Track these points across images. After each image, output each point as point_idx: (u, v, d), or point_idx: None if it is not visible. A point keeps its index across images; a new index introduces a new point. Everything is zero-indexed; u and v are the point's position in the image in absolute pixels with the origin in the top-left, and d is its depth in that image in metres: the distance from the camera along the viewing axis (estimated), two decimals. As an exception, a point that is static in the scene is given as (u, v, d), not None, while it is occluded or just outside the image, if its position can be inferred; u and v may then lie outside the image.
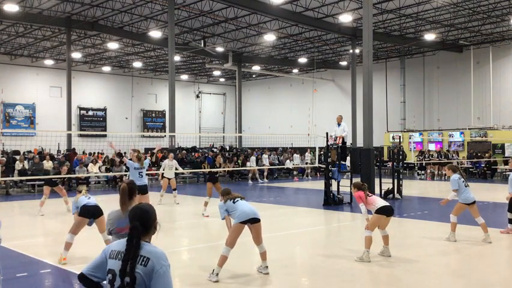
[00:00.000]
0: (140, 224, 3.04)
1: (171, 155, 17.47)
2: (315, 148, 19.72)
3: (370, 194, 8.27)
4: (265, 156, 27.78)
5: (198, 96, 46.57)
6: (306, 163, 29.00)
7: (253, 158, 27.35)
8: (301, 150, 31.83)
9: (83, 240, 10.13)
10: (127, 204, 4.56)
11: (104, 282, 3.08)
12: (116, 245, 3.10)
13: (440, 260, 8.37)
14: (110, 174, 22.10)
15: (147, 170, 12.16)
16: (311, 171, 29.66)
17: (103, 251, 3.13)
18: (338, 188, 15.97)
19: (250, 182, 25.69)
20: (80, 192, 8.63)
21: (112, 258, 3.03)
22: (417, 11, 25.15)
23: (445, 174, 26.57)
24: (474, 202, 9.66)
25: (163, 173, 16.65)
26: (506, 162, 27.07)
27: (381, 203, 8.16)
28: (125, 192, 4.58)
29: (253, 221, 7.11)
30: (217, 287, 6.84)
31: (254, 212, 7.14)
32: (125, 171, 13.76)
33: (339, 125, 16.57)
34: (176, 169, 16.75)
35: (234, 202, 7.16)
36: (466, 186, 9.64)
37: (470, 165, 27.93)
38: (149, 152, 13.87)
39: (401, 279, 7.20)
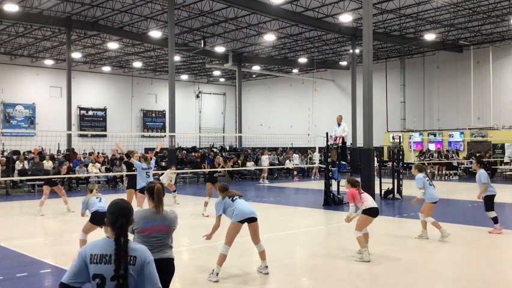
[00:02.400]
0: (126, 221, 3.08)
1: (173, 167, 17.87)
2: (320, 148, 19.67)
3: (362, 191, 8.34)
4: (265, 157, 27.74)
5: (198, 96, 46.57)
6: (314, 162, 28.83)
7: (264, 158, 27.39)
8: (302, 150, 31.82)
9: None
10: (162, 205, 4.53)
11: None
12: (93, 248, 3.05)
13: (440, 261, 8.37)
14: (110, 174, 22.11)
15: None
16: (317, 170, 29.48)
17: (79, 256, 3.07)
18: (338, 188, 15.97)
19: (262, 181, 25.60)
20: (91, 191, 8.42)
21: (96, 262, 2.99)
22: (417, 11, 25.14)
23: (445, 174, 26.63)
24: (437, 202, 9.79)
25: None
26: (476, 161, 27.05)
27: (371, 203, 8.18)
28: (160, 193, 4.55)
29: (251, 220, 7.10)
30: (217, 287, 6.84)
31: (252, 211, 7.11)
32: (127, 171, 13.77)
33: (339, 125, 16.56)
34: (170, 180, 16.83)
35: (232, 200, 7.11)
36: (430, 185, 9.80)
37: (470, 165, 27.89)
38: (154, 151, 13.94)
39: (400, 279, 7.20)
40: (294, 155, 29.98)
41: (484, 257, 8.59)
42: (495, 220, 10.43)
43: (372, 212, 8.13)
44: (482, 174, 10.52)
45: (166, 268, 4.42)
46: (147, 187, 4.68)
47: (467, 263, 8.30)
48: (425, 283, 7.00)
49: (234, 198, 7.12)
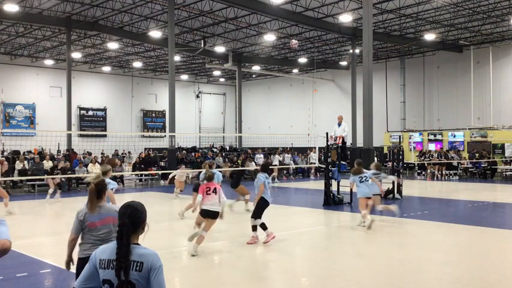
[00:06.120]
0: (129, 221, 2.98)
1: (183, 166, 19.13)
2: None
3: (209, 192, 8.44)
4: (275, 157, 27.58)
5: (198, 96, 46.57)
6: (313, 163, 28.74)
7: (276, 157, 27.35)
8: (301, 150, 31.80)
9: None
10: (95, 204, 4.68)
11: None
12: (103, 253, 3.00)
13: (440, 260, 8.36)
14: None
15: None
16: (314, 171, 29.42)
17: (90, 261, 3.03)
18: (338, 188, 15.96)
19: (276, 180, 25.23)
20: (105, 173, 6.55)
21: (104, 268, 2.94)
22: (417, 11, 25.15)
23: (446, 174, 26.61)
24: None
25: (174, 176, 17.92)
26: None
27: (207, 206, 8.38)
28: (93, 192, 4.65)
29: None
30: (215, 286, 6.83)
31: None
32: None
33: (339, 124, 16.54)
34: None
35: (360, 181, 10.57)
36: (361, 182, 10.93)
37: (471, 165, 27.90)
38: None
39: (400, 279, 7.19)
40: (286, 155, 29.69)
41: (484, 257, 8.59)
42: (254, 228, 9.42)
43: (207, 214, 8.38)
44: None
45: None
46: None
47: (467, 262, 8.30)
48: (425, 283, 7.00)
49: (361, 180, 10.69)
